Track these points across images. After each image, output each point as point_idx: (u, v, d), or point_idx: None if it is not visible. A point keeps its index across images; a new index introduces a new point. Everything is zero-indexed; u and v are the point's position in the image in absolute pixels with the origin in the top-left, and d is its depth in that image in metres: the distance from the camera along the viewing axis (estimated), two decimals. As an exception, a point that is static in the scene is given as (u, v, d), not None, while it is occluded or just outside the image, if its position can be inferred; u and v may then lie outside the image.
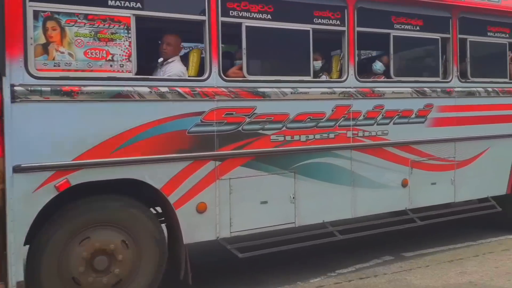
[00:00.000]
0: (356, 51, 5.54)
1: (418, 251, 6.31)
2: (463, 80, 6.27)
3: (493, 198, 6.63)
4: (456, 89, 6.20)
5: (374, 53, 7.74)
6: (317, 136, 5.25)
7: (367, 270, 5.66)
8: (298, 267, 5.81)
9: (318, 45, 5.49)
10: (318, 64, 5.55)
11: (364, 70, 6.24)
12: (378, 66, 5.99)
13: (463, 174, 6.28)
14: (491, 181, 6.57)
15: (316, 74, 5.53)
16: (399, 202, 5.85)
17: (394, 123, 5.73)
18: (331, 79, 5.53)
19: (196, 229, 4.64)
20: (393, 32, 5.73)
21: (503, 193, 6.70)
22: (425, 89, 5.94)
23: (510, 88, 6.71)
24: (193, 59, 4.83)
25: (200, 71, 4.81)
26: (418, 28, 5.93)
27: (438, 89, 6.05)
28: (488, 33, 6.54)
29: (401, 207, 5.89)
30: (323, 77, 5.54)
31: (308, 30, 5.19)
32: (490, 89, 6.49)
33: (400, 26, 5.79)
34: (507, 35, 6.72)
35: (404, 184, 5.84)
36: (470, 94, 6.33)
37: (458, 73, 6.21)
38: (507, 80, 6.70)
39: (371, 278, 5.37)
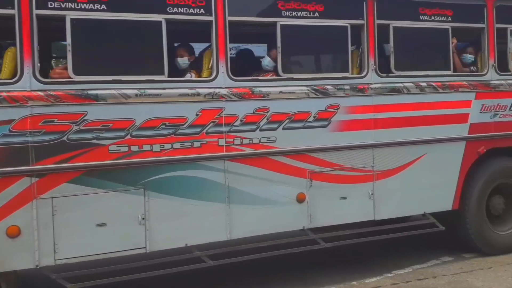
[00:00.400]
0: (228, 45, 4.67)
1: (478, 252, 5.86)
2: (384, 75, 5.23)
3: (438, 215, 5.54)
4: (373, 86, 5.17)
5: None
6: (177, 145, 4.46)
7: (425, 271, 5.46)
8: (355, 267, 5.62)
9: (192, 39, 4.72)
10: (183, 61, 4.74)
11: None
12: (266, 61, 5.05)
13: (386, 186, 5.25)
14: (430, 194, 5.47)
15: (185, 73, 4.74)
16: (294, 221, 4.93)
17: (284, 128, 4.83)
18: (195, 79, 4.70)
19: (7, 256, 4.01)
20: (281, 21, 4.82)
21: (448, 209, 5.58)
22: (327, 87, 4.98)
23: (455, 83, 5.56)
24: (6, 59, 4.19)
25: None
26: (317, 14, 4.97)
27: (347, 87, 5.06)
28: (421, 17, 5.44)
29: (297, 226, 4.97)
30: (188, 76, 4.73)
31: (160, 21, 4.41)
32: (424, 84, 5.39)
33: (290, 13, 4.86)
34: (449, 18, 5.57)
35: (300, 199, 4.92)
36: (394, 91, 5.27)
37: (376, 66, 5.18)
38: (450, 72, 5.57)
39: (430, 280, 5.19)
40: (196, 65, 4.81)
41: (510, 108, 5.83)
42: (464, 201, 5.66)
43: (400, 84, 5.28)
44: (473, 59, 5.88)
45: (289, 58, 4.96)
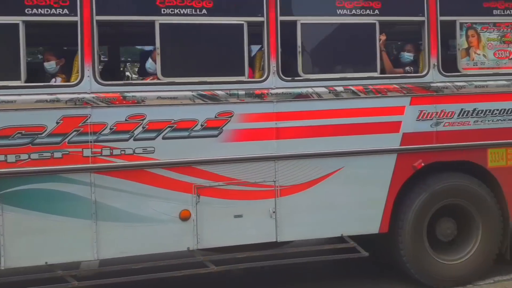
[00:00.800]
0: (97, 48, 4.29)
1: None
2: (288, 79, 4.61)
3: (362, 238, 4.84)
4: (275, 91, 4.57)
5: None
6: (34, 156, 4.15)
7: (507, 283, 5.04)
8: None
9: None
10: (50, 65, 4.43)
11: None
12: (148, 64, 4.60)
13: (292, 204, 4.63)
14: (350, 214, 4.77)
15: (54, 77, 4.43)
16: (177, 241, 4.45)
17: (164, 138, 4.37)
18: (56, 84, 4.35)
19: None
20: (160, 19, 4.36)
21: (374, 232, 4.84)
22: (218, 92, 4.45)
23: (382, 86, 4.82)
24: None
25: None
26: (205, 11, 4.46)
27: (241, 92, 4.50)
28: (338, 11, 4.75)
29: (181, 247, 4.48)
30: (53, 81, 4.40)
31: (17, 24, 4.12)
32: (340, 89, 4.70)
33: (171, 11, 4.40)
34: (376, 11, 4.83)
35: (184, 216, 4.43)
36: (302, 96, 4.63)
37: (278, 69, 4.57)
38: (376, 74, 4.83)
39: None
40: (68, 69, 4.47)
41: (459, 116, 4.97)
42: (396, 224, 4.88)
43: (309, 89, 4.63)
44: (411, 58, 5.09)
45: (171, 60, 4.47)
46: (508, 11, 5.15)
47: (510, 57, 5.13)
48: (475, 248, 5.08)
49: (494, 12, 5.12)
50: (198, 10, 4.44)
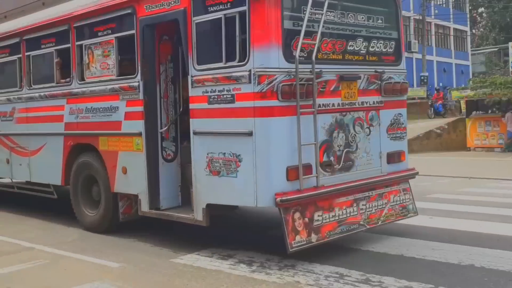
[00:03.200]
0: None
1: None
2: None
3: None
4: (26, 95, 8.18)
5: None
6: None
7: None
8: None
9: None
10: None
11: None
12: None
13: (34, 160, 8.07)
14: (50, 172, 7.78)
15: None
16: None
17: None
18: None
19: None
20: None
21: (59, 183, 7.68)
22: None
23: (54, 92, 7.51)
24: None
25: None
26: None
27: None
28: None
29: None
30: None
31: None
32: (43, 94, 7.76)
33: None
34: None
35: None
36: (31, 98, 8.00)
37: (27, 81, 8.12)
38: (54, 84, 7.56)
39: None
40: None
41: (85, 111, 6.99)
42: (68, 181, 7.50)
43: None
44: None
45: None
46: (106, 31, 6.61)
47: (108, 68, 6.61)
48: (103, 206, 6.94)
49: (99, 34, 6.72)
50: None
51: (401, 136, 6.43)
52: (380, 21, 6.24)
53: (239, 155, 5.20)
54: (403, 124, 6.46)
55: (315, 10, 5.33)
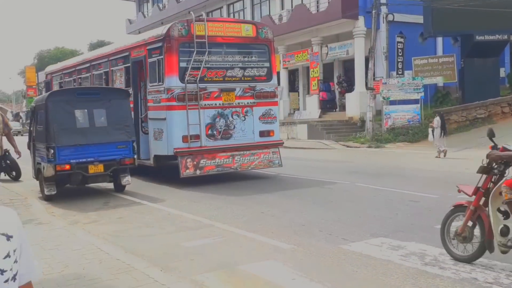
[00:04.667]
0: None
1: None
2: None
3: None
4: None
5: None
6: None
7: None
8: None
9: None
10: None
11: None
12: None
13: None
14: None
15: None
16: None
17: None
18: None
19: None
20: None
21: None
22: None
23: None
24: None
25: None
26: None
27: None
28: None
29: None
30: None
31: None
32: None
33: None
34: None
35: None
36: None
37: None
38: None
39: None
40: None
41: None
42: None
43: None
44: None
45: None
46: (120, 64, 12.25)
47: (121, 82, 12.21)
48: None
49: (118, 64, 12.37)
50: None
51: (271, 121, 11.35)
52: (254, 56, 11.32)
53: (161, 129, 10.49)
54: (273, 114, 11.43)
55: (201, 56, 10.46)
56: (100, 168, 9.35)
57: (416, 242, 5.85)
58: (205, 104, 10.59)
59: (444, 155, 15.29)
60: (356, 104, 23.91)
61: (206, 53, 10.61)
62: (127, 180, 9.86)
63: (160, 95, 10.60)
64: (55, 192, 9.27)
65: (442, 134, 15.86)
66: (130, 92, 11.46)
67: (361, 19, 23.69)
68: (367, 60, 22.84)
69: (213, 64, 10.90)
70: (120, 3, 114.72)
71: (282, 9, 28.88)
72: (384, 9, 22.86)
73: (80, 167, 9.17)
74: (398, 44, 23.28)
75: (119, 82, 12.57)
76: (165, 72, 10.42)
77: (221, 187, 10.64)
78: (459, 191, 5.27)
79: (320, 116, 25.75)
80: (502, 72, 24.64)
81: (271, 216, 7.59)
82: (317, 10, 25.97)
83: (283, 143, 12.16)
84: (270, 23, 28.36)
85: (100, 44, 69.70)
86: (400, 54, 23.37)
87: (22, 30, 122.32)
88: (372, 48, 21.87)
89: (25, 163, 12.48)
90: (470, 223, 5.11)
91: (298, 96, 30.41)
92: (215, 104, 10.77)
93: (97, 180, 9.84)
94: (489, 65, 22.03)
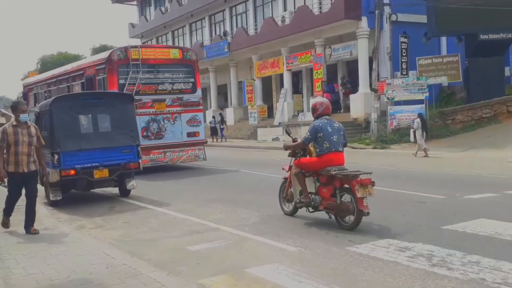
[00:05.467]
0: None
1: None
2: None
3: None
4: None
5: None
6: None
7: None
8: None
9: None
10: None
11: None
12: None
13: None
14: None
15: None
16: None
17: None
18: None
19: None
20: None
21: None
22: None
23: None
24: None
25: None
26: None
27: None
28: None
29: None
30: None
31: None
32: None
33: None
34: None
35: None
36: None
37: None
38: None
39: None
40: None
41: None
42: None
43: None
44: None
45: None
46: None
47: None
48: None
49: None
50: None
51: (197, 125, 14.68)
52: (181, 74, 14.15)
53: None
54: (198, 119, 14.80)
55: (136, 75, 13.76)
56: (105, 173, 9.35)
57: (424, 243, 5.82)
58: (140, 112, 13.46)
59: (426, 154, 16.28)
60: (360, 105, 23.84)
61: (140, 72, 13.92)
62: (132, 184, 9.85)
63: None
64: (60, 197, 9.26)
65: (424, 134, 16.97)
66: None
67: (364, 20, 23.61)
68: (371, 61, 22.78)
69: (146, 81, 14.04)
70: (122, 8, 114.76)
71: (285, 10, 28.79)
72: (387, 9, 22.76)
73: (85, 172, 9.17)
74: (402, 44, 23.17)
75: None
76: (108, 87, 13.58)
77: (226, 191, 10.62)
78: (282, 169, 7.90)
79: (324, 118, 25.60)
80: (507, 71, 24.45)
81: (277, 219, 7.61)
82: (320, 11, 25.88)
83: (206, 141, 16.01)
84: (273, 26, 28.38)
85: (103, 48, 69.78)
86: (404, 54, 23.25)
87: (25, 35, 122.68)
88: (375, 48, 21.79)
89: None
90: (291, 190, 7.58)
91: (302, 98, 30.34)
92: (149, 112, 13.97)
93: (102, 185, 9.83)
94: (494, 64, 21.86)
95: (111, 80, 13.62)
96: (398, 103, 21.59)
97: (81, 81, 15.37)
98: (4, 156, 6.89)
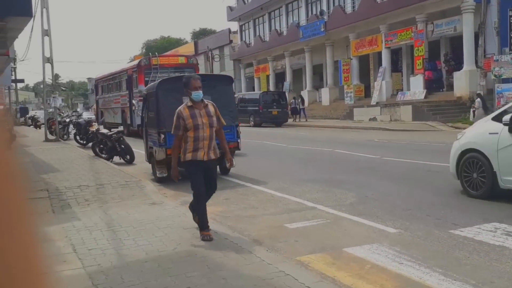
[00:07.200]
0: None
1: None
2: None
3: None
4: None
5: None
6: None
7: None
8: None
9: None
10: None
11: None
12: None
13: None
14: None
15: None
16: None
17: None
18: None
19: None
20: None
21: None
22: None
23: None
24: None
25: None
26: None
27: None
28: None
29: None
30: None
31: None
32: None
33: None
34: None
35: None
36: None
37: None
38: None
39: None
40: None
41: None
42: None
43: None
44: None
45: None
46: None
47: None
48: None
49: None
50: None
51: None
52: (186, 73, 14.55)
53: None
54: None
55: (156, 74, 19.08)
56: (207, 151, 9.74)
57: (537, 229, 5.53)
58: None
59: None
60: (465, 83, 22.66)
61: (158, 72, 19.72)
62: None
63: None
64: (166, 174, 9.74)
65: (485, 114, 15.97)
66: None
67: (470, -7, 22.32)
68: (476, 37, 21.51)
69: (162, 78, 15.48)
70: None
71: (384, -14, 27.93)
72: (496, -19, 21.34)
73: (189, 150, 9.67)
74: (511, 18, 21.60)
75: (124, 87, 22.53)
76: (138, 83, 19.98)
77: (322, 171, 10.67)
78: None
79: (425, 97, 24.72)
80: None
81: (374, 200, 7.51)
82: (422, -14, 24.81)
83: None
84: (372, 2, 27.57)
85: (202, 32, 71.20)
86: (513, 29, 21.73)
87: (131, 21, 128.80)
88: (482, 23, 20.53)
89: (138, 147, 13.31)
90: None
91: (401, 76, 29.36)
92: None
93: (205, 163, 10.21)
94: None
95: (140, 78, 20.32)
96: (506, 80, 20.23)
97: (125, 78, 22.34)
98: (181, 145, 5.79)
